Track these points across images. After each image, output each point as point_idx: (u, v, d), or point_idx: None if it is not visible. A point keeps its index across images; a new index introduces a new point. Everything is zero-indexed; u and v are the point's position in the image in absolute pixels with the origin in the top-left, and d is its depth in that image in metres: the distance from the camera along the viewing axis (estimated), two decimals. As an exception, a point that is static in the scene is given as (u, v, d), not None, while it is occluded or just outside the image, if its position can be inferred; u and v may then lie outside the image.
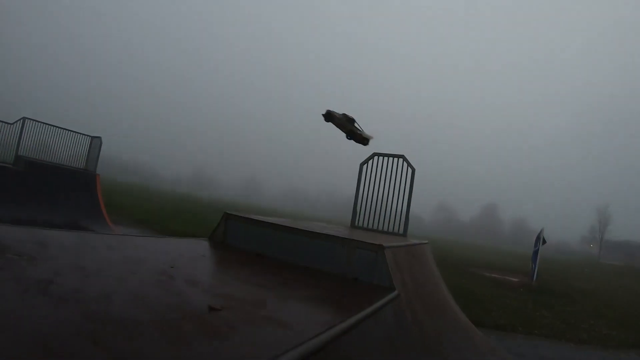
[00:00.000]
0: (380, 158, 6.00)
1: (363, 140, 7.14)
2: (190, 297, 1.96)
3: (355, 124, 7.18)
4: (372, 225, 5.92)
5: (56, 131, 12.32)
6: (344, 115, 7.10)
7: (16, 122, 11.43)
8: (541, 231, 17.16)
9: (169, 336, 1.42)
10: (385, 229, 5.83)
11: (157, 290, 1.96)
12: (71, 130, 12.63)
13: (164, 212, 19.07)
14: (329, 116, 7.05)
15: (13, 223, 3.41)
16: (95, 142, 12.86)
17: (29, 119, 11.63)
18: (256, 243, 3.70)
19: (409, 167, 5.79)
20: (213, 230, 4.02)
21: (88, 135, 12.95)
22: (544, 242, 16.71)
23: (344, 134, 7.19)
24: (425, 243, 5.32)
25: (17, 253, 2.08)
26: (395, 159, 5.88)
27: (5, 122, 11.41)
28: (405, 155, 5.86)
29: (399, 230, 5.70)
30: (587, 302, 11.81)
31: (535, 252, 16.56)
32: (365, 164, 6.10)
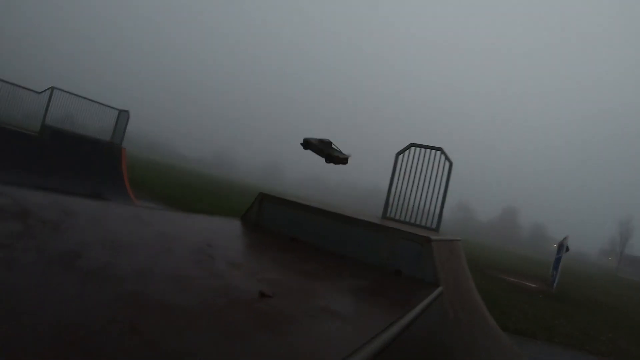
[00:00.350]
0: (417, 149, 5.71)
1: (342, 161, 7.10)
2: (235, 281, 1.75)
3: (333, 146, 7.13)
4: (403, 217, 5.66)
5: (84, 103, 12.28)
6: (320, 140, 7.09)
7: (44, 91, 11.43)
8: (565, 239, 16.65)
9: (221, 327, 1.20)
10: (417, 222, 5.57)
11: (197, 271, 1.75)
12: (99, 103, 12.58)
13: (186, 191, 19.12)
14: (307, 144, 7.06)
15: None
16: (123, 116, 12.77)
17: (58, 89, 11.61)
18: (291, 226, 3.49)
19: (446, 161, 5.50)
20: (246, 211, 3.82)
21: (116, 109, 12.88)
22: (567, 249, 16.20)
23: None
24: (459, 240, 5.04)
25: (40, 220, 1.88)
26: (432, 151, 5.59)
27: (34, 91, 11.43)
28: (443, 148, 5.56)
29: (431, 224, 5.44)
30: (605, 314, 11.51)
31: (558, 260, 16.06)
32: (402, 155, 5.82)
